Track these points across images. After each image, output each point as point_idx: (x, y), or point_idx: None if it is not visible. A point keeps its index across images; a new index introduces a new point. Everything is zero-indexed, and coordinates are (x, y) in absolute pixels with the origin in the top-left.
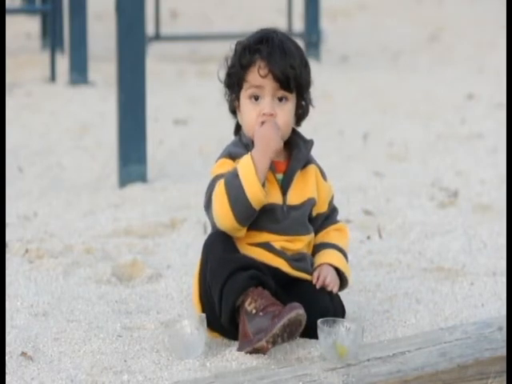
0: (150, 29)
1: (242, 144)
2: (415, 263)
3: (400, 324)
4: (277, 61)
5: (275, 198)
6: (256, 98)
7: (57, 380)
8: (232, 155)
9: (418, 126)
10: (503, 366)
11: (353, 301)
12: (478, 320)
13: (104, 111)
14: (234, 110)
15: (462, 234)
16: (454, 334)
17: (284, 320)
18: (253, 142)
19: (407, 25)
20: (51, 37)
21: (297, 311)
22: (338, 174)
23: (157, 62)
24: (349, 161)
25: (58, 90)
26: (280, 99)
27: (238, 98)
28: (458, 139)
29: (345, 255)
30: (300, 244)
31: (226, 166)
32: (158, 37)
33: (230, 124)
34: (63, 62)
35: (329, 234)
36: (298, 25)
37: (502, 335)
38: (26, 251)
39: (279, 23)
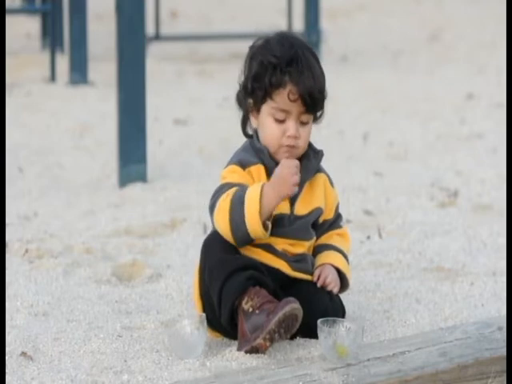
0: (150, 29)
1: (252, 150)
2: (415, 263)
3: (400, 324)
4: (306, 86)
5: (283, 208)
6: (281, 120)
7: (57, 380)
8: (242, 163)
9: (417, 126)
10: (503, 365)
11: (353, 301)
12: (477, 320)
13: (104, 111)
14: (241, 105)
15: (462, 234)
16: (454, 334)
17: (279, 315)
18: (268, 150)
19: (407, 25)
20: (51, 37)
21: (291, 305)
22: (338, 174)
23: (157, 62)
24: (349, 161)
25: (58, 90)
26: (303, 122)
27: (256, 107)
28: (458, 139)
29: (346, 258)
30: (301, 248)
31: (236, 173)
32: (157, 37)
33: (230, 124)
34: (63, 62)
35: (331, 237)
36: (298, 25)
37: (502, 335)
38: (26, 251)
39: (279, 23)
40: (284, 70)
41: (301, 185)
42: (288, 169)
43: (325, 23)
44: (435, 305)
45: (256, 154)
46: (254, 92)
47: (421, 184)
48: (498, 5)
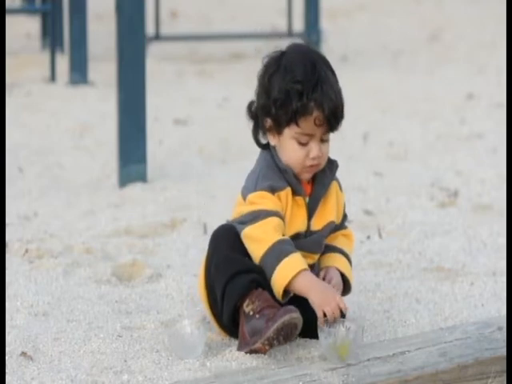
0: (150, 29)
1: (277, 168)
2: (415, 263)
3: (400, 324)
4: (331, 109)
5: (301, 225)
6: (304, 143)
7: (57, 380)
8: (273, 188)
9: (417, 126)
10: (503, 365)
11: (353, 301)
12: (477, 320)
13: (104, 111)
14: (254, 119)
15: (462, 234)
16: (454, 334)
17: (277, 324)
18: (293, 172)
19: (407, 25)
20: (51, 37)
21: (290, 315)
22: (339, 174)
23: (157, 62)
24: (349, 161)
25: (58, 90)
26: (324, 140)
27: (277, 129)
28: (458, 139)
29: (350, 262)
30: (311, 260)
31: (267, 199)
32: (157, 37)
33: (230, 124)
34: (63, 62)
35: (336, 238)
36: (298, 25)
37: (502, 335)
38: (26, 251)
39: (279, 23)
40: (310, 96)
41: (318, 200)
42: (332, 300)
43: (325, 23)
44: (435, 305)
45: (281, 173)
46: (277, 116)
47: (421, 184)
48: (498, 5)
